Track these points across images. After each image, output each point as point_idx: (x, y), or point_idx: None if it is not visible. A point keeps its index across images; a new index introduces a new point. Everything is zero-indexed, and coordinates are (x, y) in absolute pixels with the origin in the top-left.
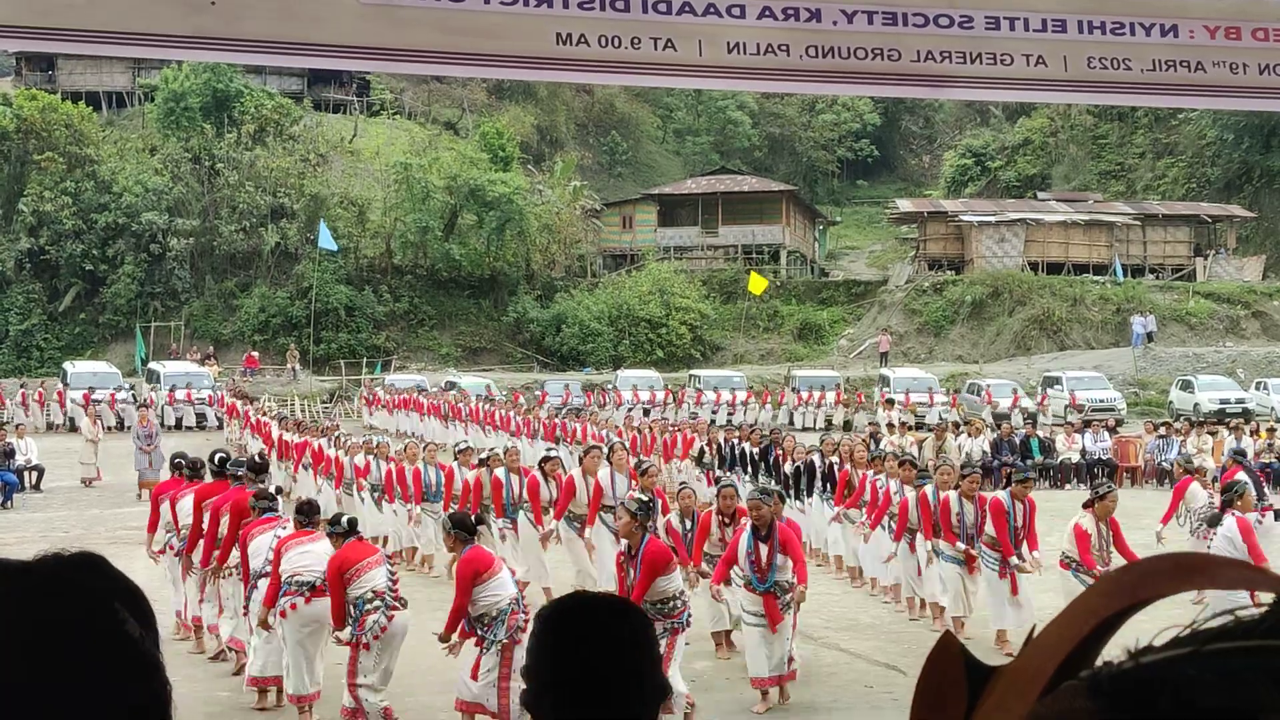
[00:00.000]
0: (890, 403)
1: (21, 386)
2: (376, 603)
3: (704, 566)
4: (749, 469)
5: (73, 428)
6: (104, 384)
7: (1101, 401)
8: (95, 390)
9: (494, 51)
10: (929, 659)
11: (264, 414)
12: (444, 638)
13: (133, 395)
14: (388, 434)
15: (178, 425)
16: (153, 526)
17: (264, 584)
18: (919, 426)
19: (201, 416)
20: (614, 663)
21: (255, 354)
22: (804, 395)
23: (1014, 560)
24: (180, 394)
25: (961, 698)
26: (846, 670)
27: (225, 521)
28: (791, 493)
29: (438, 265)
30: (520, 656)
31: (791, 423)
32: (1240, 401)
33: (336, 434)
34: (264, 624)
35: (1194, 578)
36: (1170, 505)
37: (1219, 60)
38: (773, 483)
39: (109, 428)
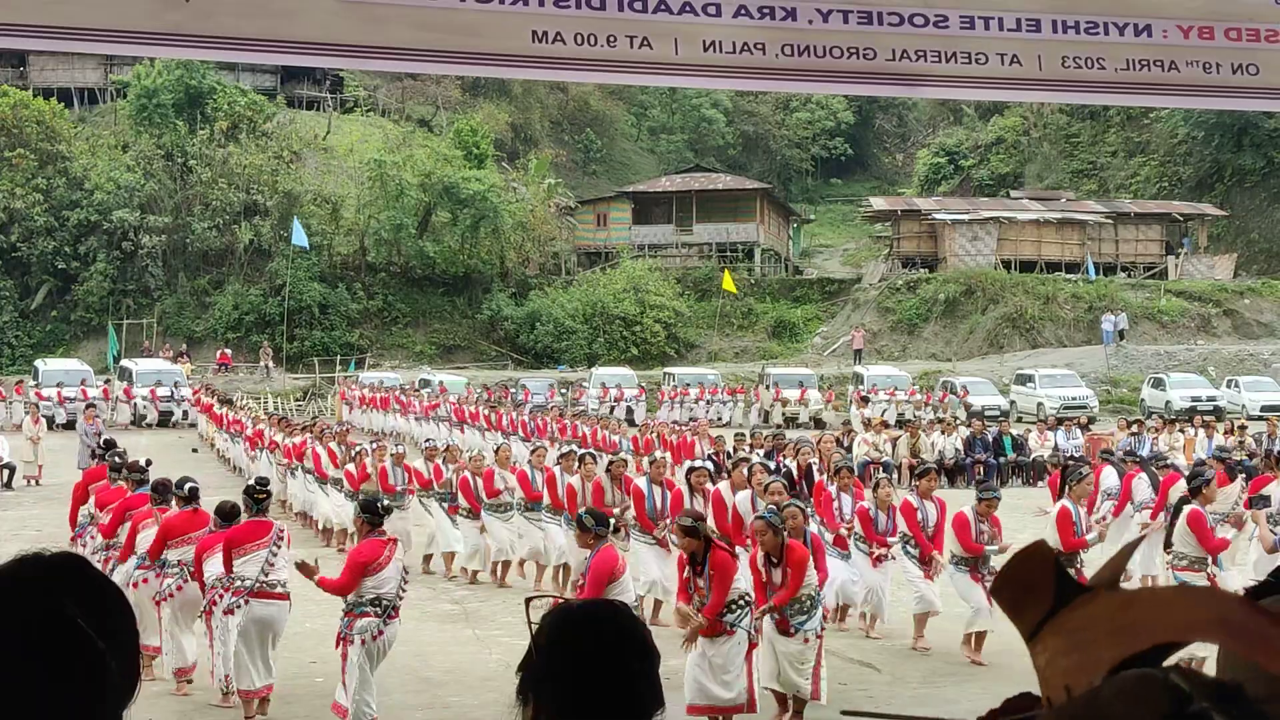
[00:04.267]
0: (865, 400)
1: None
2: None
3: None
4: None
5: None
6: (73, 381)
7: (1074, 399)
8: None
9: (470, 49)
10: (1019, 556)
11: (245, 413)
12: None
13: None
14: (394, 435)
15: (165, 421)
16: (128, 551)
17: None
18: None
19: (169, 414)
20: (616, 666)
21: (228, 351)
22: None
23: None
24: (145, 391)
25: (1047, 598)
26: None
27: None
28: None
29: (412, 263)
30: None
31: (766, 420)
32: (1211, 399)
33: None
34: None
35: None
36: (1157, 503)
37: (1192, 60)
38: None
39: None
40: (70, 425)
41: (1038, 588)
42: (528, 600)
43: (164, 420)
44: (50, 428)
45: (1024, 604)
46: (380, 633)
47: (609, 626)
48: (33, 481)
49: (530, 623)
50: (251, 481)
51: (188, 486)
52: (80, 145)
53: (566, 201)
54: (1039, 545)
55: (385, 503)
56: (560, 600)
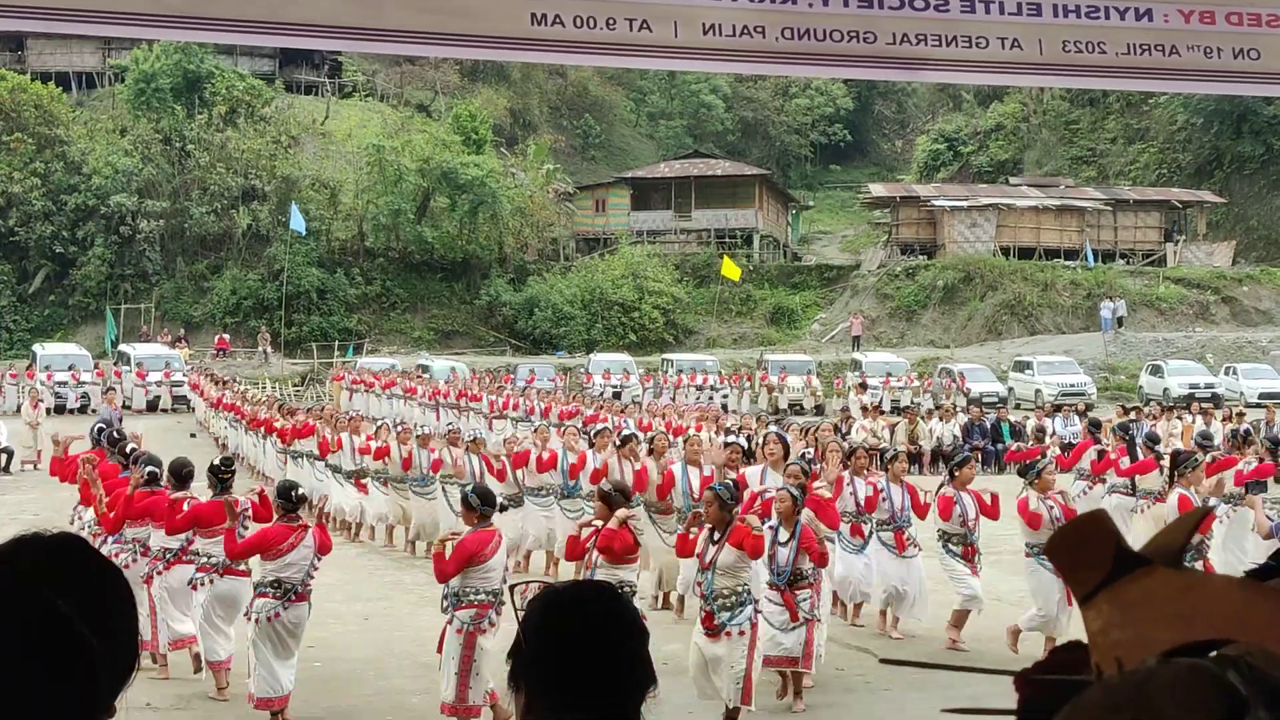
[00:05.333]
0: (863, 387)
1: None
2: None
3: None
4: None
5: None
6: (84, 365)
7: (1072, 386)
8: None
9: (469, 31)
10: (1081, 519)
11: (244, 399)
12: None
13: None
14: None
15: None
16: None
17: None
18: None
19: (184, 398)
20: (604, 647)
21: (226, 336)
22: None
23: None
24: (155, 376)
25: (1105, 564)
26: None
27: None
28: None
29: (410, 248)
30: (484, 648)
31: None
32: (1209, 386)
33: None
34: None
35: None
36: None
37: (1193, 44)
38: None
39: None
40: (81, 410)
41: (1096, 553)
42: (511, 587)
43: (176, 405)
44: (61, 412)
45: (1079, 566)
46: (278, 614)
47: (595, 608)
48: (31, 466)
49: (516, 609)
50: (216, 461)
51: (148, 470)
52: (78, 129)
53: (565, 187)
54: (1101, 513)
55: (301, 491)
56: (545, 585)
